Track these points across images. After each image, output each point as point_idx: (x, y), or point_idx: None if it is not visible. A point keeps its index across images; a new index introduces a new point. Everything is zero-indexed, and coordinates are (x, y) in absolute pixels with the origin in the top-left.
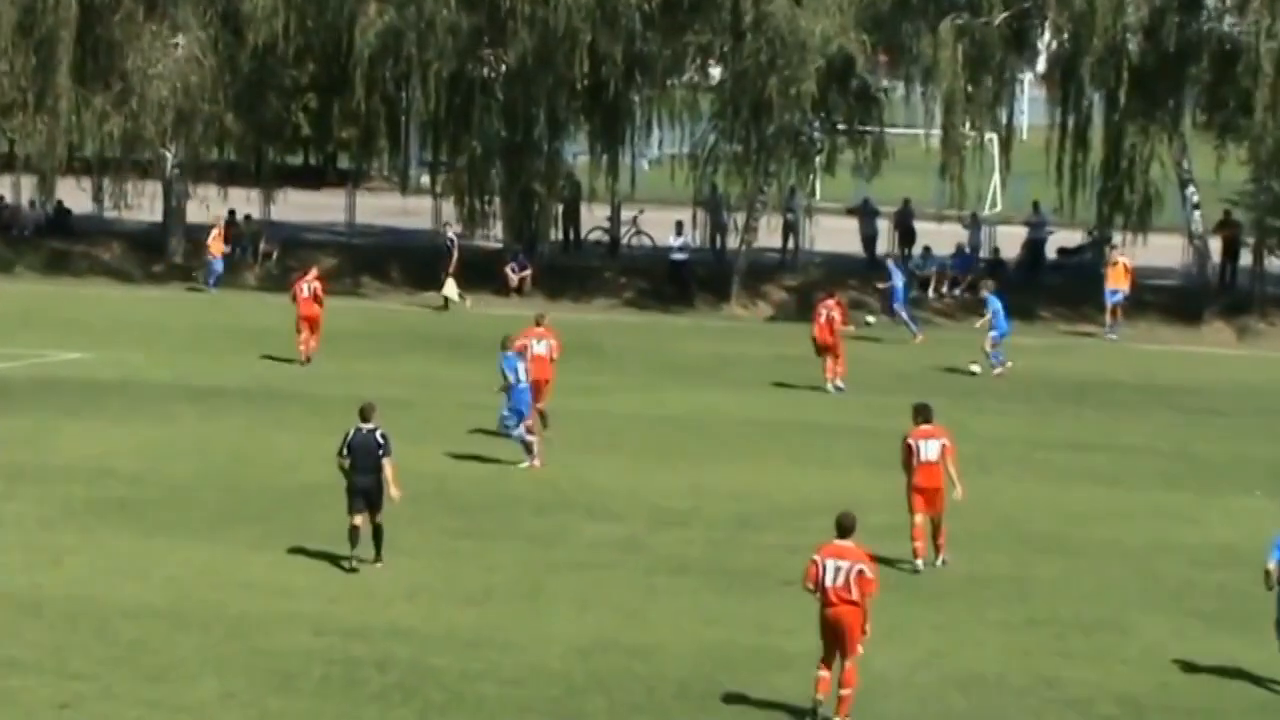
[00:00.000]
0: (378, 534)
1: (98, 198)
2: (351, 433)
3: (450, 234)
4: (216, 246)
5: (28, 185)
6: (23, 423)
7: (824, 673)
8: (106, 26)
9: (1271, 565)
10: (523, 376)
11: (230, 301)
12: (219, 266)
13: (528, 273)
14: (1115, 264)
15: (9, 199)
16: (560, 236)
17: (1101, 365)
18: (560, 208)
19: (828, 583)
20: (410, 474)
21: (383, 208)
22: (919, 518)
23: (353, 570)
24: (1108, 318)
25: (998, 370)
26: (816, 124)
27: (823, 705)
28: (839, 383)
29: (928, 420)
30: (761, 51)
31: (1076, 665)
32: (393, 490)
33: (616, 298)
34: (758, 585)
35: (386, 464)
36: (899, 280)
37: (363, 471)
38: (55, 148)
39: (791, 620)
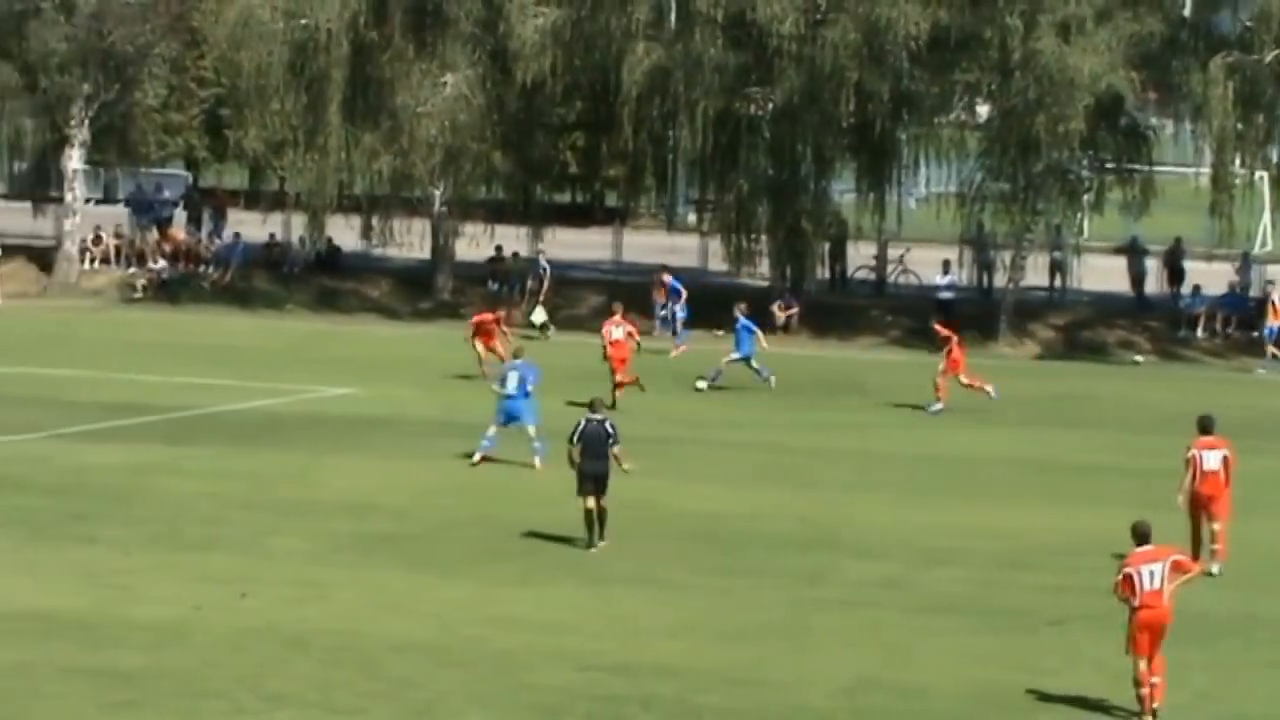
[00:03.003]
0: (602, 517)
1: (367, 235)
2: (583, 423)
3: (543, 261)
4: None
5: (298, 223)
6: (291, 458)
7: (1155, 678)
8: (376, 65)
9: None
10: (511, 388)
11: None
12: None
13: (794, 310)
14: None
15: (280, 236)
16: (826, 274)
17: None
18: (826, 246)
19: (1146, 587)
20: (676, 512)
21: (649, 245)
22: (1203, 526)
23: (590, 547)
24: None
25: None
26: (1084, 162)
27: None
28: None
29: (1209, 431)
30: (1030, 89)
31: None
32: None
33: (882, 336)
34: (1024, 625)
35: (616, 450)
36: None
37: (593, 458)
38: (325, 185)
39: (1057, 661)
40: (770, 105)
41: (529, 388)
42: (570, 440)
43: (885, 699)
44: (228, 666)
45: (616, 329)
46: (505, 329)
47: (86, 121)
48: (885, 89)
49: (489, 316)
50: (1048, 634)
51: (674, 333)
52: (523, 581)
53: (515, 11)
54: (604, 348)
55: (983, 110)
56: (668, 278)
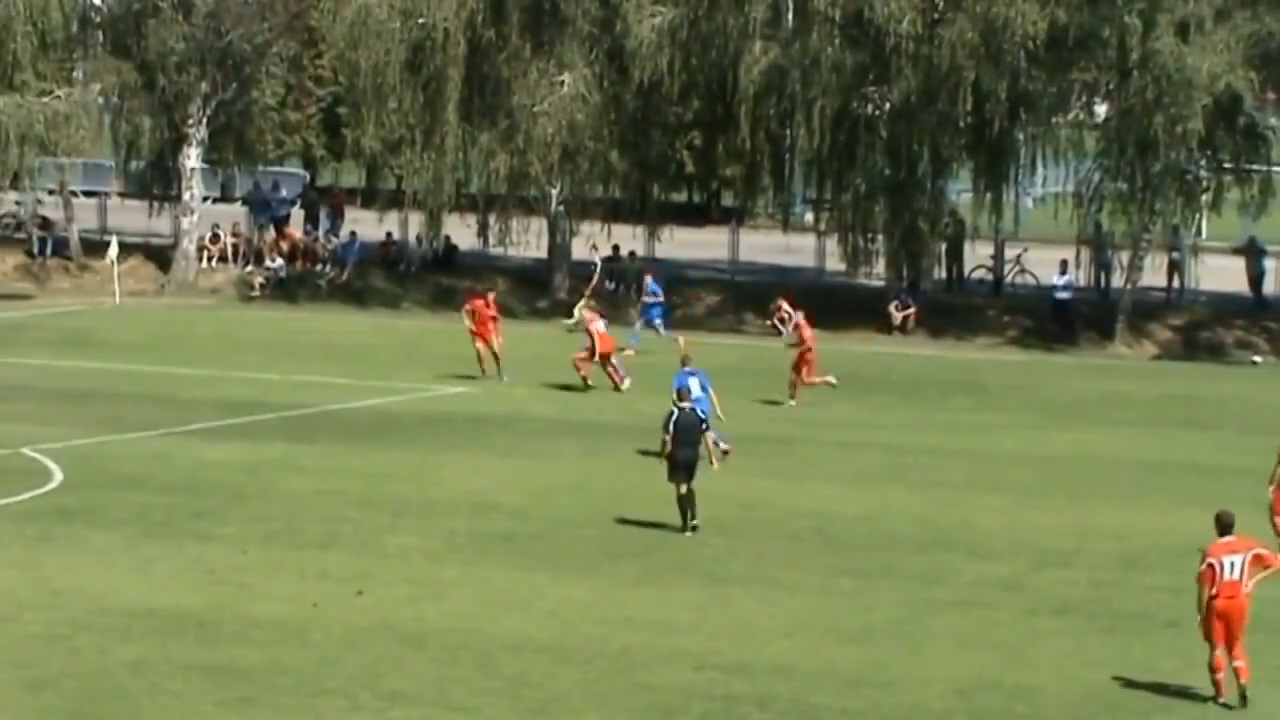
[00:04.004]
0: (692, 500)
1: (483, 234)
2: (676, 412)
3: (597, 259)
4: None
5: (415, 222)
6: (408, 456)
7: (1238, 661)
8: (493, 64)
9: None
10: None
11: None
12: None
13: (911, 311)
14: None
15: (396, 235)
16: (943, 274)
17: None
18: (943, 245)
19: (1225, 578)
20: (792, 512)
21: (766, 245)
22: None
23: (694, 530)
24: None
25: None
26: (1202, 162)
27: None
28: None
29: None
30: (1148, 89)
31: None
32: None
33: (1000, 336)
34: (1142, 627)
35: (708, 436)
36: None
37: (685, 445)
38: (442, 184)
39: (1174, 663)
40: (887, 105)
41: (708, 390)
42: (664, 429)
43: (1000, 700)
44: (344, 664)
45: (599, 320)
46: (497, 315)
47: (204, 120)
48: (1003, 88)
49: (480, 301)
50: (1165, 636)
51: (656, 330)
52: (640, 581)
53: (632, 11)
54: (592, 341)
55: (1100, 110)
56: (648, 278)
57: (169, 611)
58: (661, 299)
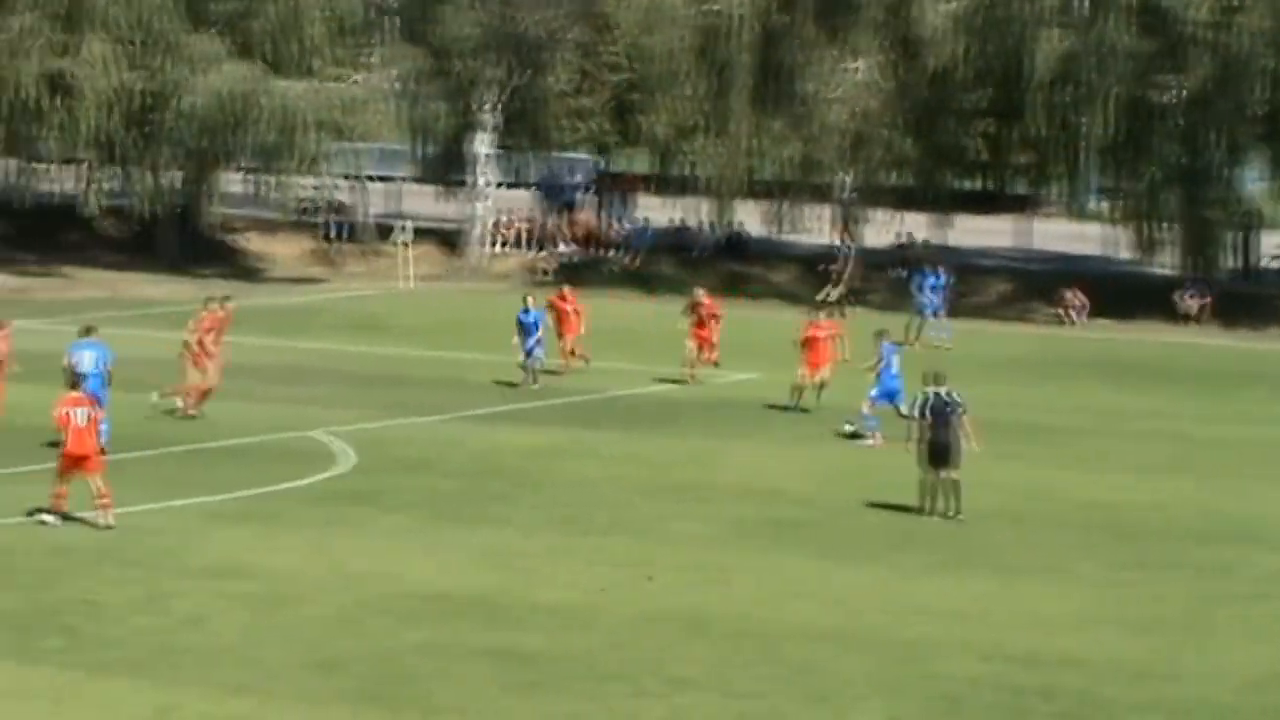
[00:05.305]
0: (955, 490)
1: (773, 220)
2: (930, 397)
3: (847, 242)
4: None
5: (705, 208)
6: (693, 443)
7: None
8: (785, 51)
9: None
10: (895, 369)
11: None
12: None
13: (1205, 301)
14: None
15: (686, 221)
16: (1237, 264)
17: None
18: (1236, 235)
19: None
20: (1080, 503)
21: (1056, 233)
22: None
23: (928, 515)
24: None
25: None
26: None
27: None
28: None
29: None
30: None
31: None
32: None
33: None
34: None
35: (965, 421)
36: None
37: (942, 430)
38: (732, 171)
39: None
40: (1183, 93)
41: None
42: (919, 415)
43: None
44: (629, 649)
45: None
46: (578, 309)
47: (496, 106)
48: None
49: (556, 298)
50: None
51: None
52: (927, 569)
53: None
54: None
55: None
56: (935, 269)
57: (457, 595)
58: (941, 290)
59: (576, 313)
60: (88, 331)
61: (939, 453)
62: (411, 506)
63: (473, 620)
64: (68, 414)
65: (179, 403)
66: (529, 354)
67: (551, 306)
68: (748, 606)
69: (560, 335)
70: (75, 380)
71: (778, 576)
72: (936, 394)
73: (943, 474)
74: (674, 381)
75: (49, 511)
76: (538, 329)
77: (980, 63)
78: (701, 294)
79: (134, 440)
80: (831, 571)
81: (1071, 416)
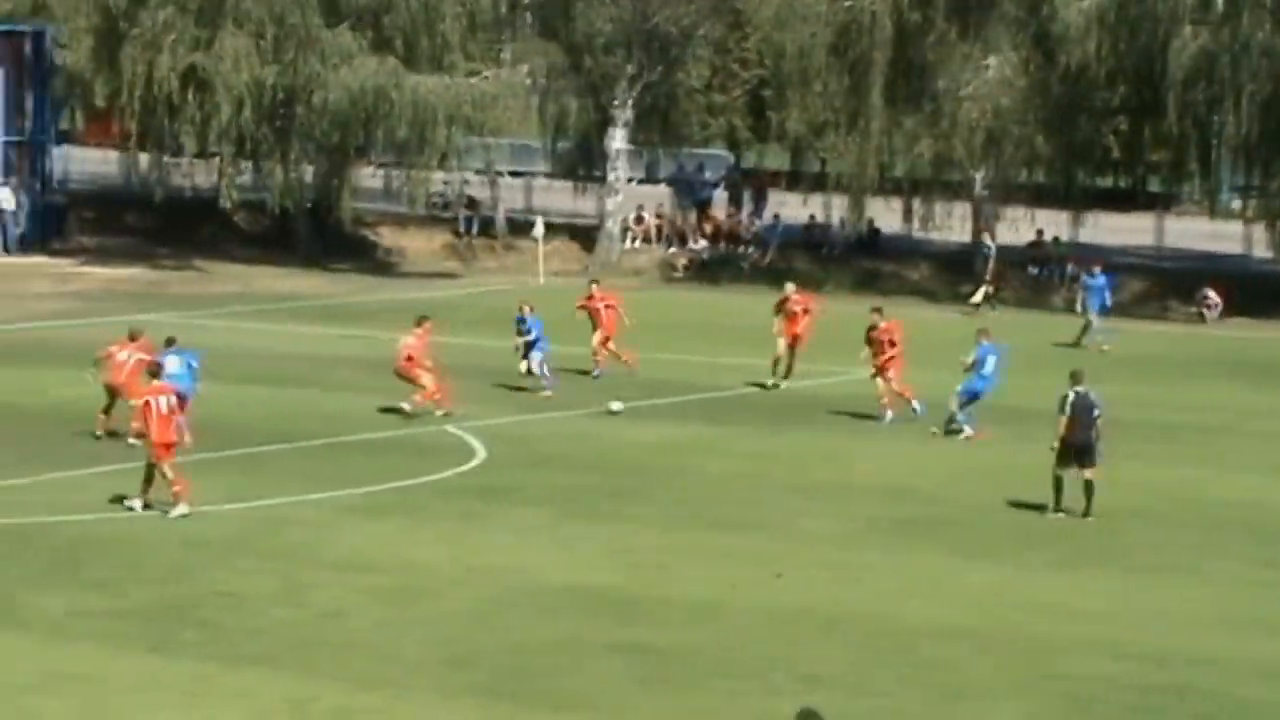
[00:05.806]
0: (1089, 490)
1: (907, 218)
2: (1072, 395)
3: (989, 241)
4: None
5: (839, 204)
6: (825, 440)
7: None
8: (919, 48)
9: None
10: (989, 369)
11: (1030, 322)
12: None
13: None
14: None
15: (820, 218)
16: None
17: None
18: None
19: None
20: (1214, 501)
21: (1192, 231)
22: None
23: (1057, 512)
24: None
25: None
26: None
27: None
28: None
29: None
30: None
31: None
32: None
33: None
34: None
35: (1100, 422)
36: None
37: (1081, 429)
38: (866, 167)
39: None
40: None
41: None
42: (1060, 411)
43: None
44: (761, 646)
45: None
46: (613, 304)
47: (630, 102)
48: None
49: (589, 298)
50: None
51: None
52: (1058, 567)
53: None
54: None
55: None
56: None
57: (588, 590)
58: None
59: (609, 308)
60: (170, 343)
61: (1077, 451)
62: (543, 502)
63: (603, 616)
64: (149, 402)
65: (435, 409)
66: (533, 362)
67: (582, 308)
68: (879, 604)
69: (605, 336)
70: (156, 370)
71: (909, 574)
72: (1078, 393)
73: (1079, 473)
74: (760, 385)
75: (172, 504)
76: (540, 337)
77: (1116, 60)
78: (791, 289)
79: (270, 434)
80: (962, 569)
81: (1206, 415)
